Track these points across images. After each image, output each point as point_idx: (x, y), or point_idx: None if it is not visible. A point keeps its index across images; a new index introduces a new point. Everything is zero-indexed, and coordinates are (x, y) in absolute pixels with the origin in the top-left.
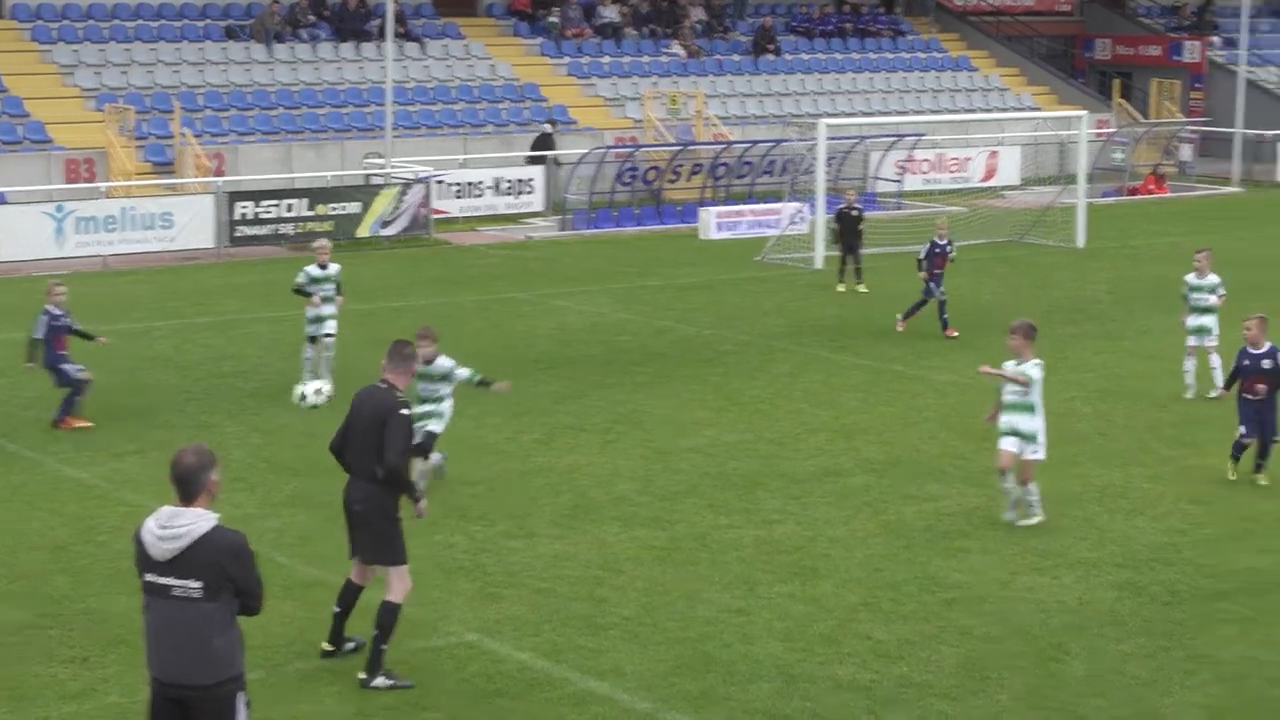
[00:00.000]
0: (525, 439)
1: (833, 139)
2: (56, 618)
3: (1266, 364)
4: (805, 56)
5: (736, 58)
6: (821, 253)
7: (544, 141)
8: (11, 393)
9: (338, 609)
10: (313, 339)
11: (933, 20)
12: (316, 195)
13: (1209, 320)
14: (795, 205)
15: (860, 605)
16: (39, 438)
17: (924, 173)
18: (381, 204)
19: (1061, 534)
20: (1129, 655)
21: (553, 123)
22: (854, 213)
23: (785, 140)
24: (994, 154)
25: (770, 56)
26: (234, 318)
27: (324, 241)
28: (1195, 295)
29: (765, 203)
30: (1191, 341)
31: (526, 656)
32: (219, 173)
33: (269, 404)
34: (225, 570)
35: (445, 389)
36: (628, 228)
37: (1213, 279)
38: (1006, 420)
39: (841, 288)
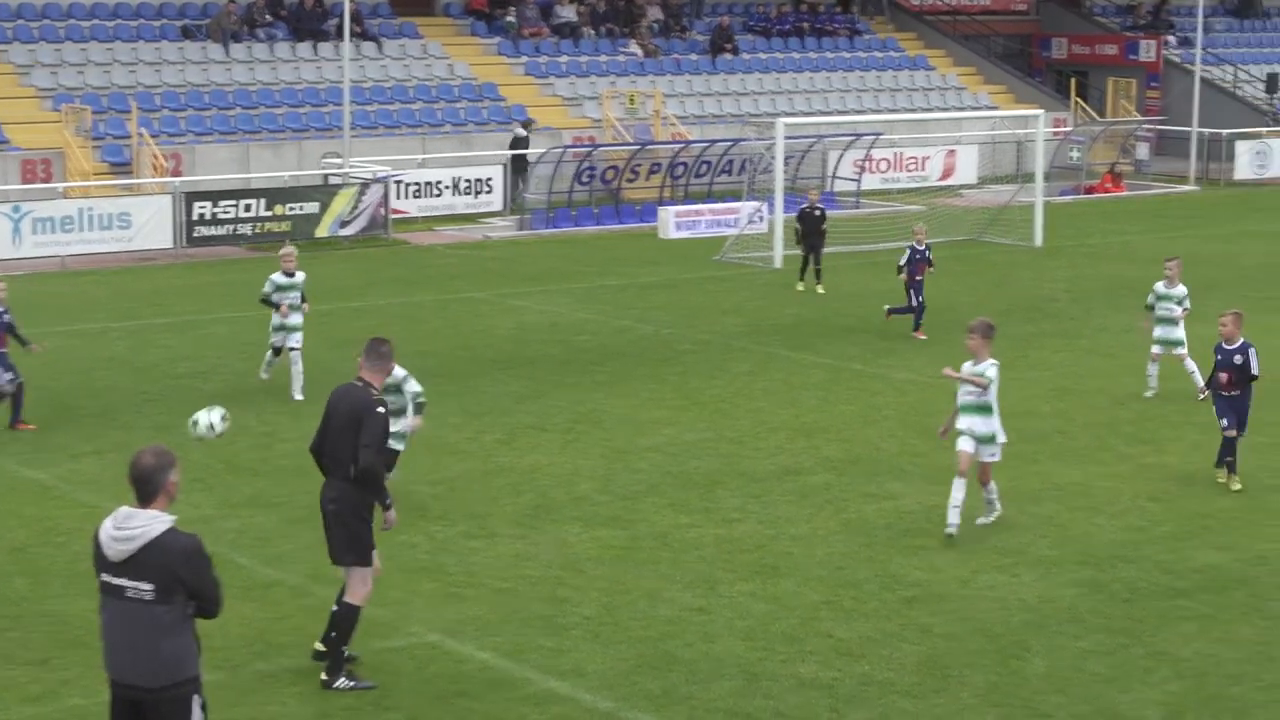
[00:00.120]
0: (486, 439)
1: (791, 138)
2: (16, 620)
3: (1238, 359)
4: (763, 56)
5: (694, 57)
6: (780, 252)
7: (520, 143)
8: None
9: (335, 609)
10: (277, 350)
11: (888, 19)
12: (274, 195)
13: (1178, 331)
14: (754, 204)
15: (822, 603)
16: None
17: (882, 172)
18: (340, 204)
19: (1021, 532)
20: (1089, 652)
21: (527, 124)
22: (816, 212)
23: (743, 139)
24: (951, 153)
25: (728, 56)
26: (192, 318)
27: (290, 249)
28: (1163, 305)
29: (724, 202)
30: (1156, 350)
31: (488, 656)
32: (176, 173)
33: (228, 405)
34: (177, 573)
35: (400, 401)
36: (586, 227)
37: (1181, 290)
38: (964, 422)
39: (801, 287)
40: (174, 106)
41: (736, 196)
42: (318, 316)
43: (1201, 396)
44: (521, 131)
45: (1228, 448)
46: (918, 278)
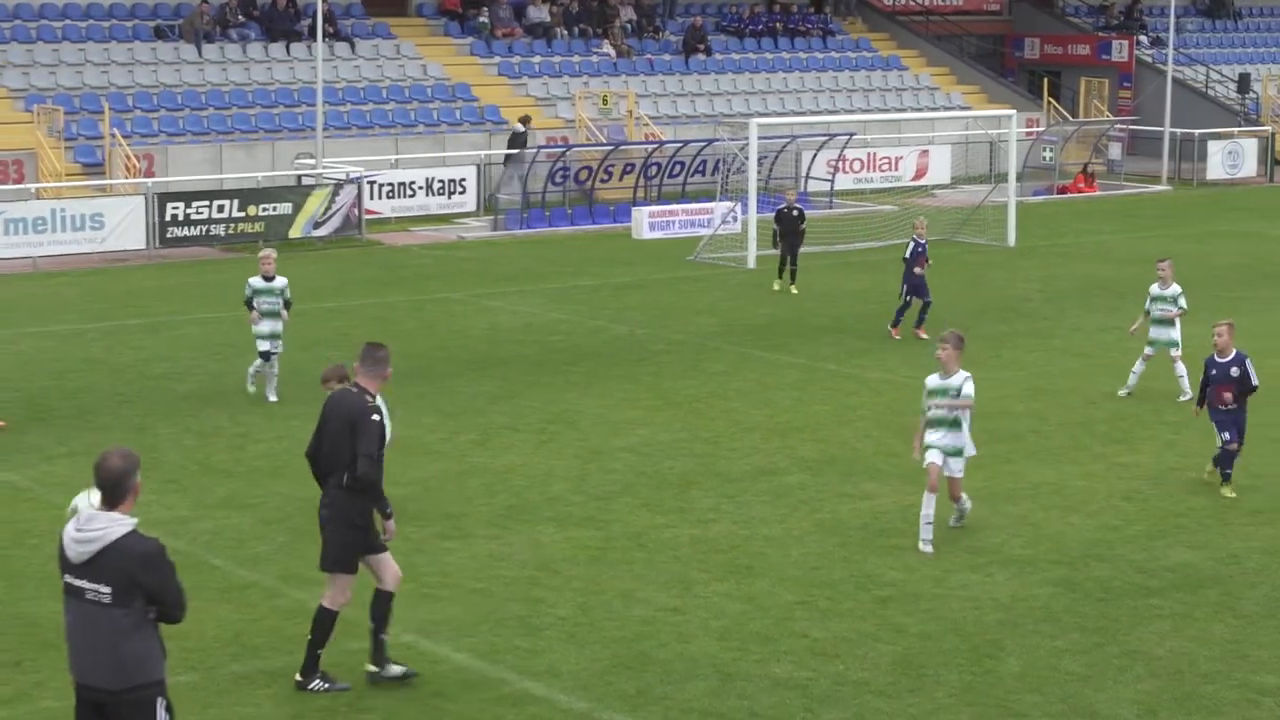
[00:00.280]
0: (460, 439)
1: (764, 138)
2: None
3: (1234, 371)
4: (736, 56)
5: (667, 57)
6: (754, 252)
7: (518, 140)
8: None
9: (372, 624)
10: (265, 355)
11: (858, 18)
12: (248, 196)
13: (1173, 332)
14: (727, 205)
15: (796, 604)
16: None
17: (855, 172)
18: (313, 205)
19: (995, 531)
20: (1063, 651)
21: (525, 120)
22: (794, 213)
23: (717, 140)
24: (925, 153)
25: (701, 56)
26: (166, 319)
27: (269, 252)
28: (1158, 306)
29: (697, 202)
30: (1149, 350)
31: (463, 657)
32: (149, 173)
33: (202, 406)
34: (135, 577)
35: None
36: (560, 227)
37: (1174, 289)
38: (934, 436)
39: (777, 286)
40: (147, 107)
41: (710, 197)
42: (290, 317)
43: (1182, 398)
44: (520, 128)
45: (1227, 459)
46: (917, 270)
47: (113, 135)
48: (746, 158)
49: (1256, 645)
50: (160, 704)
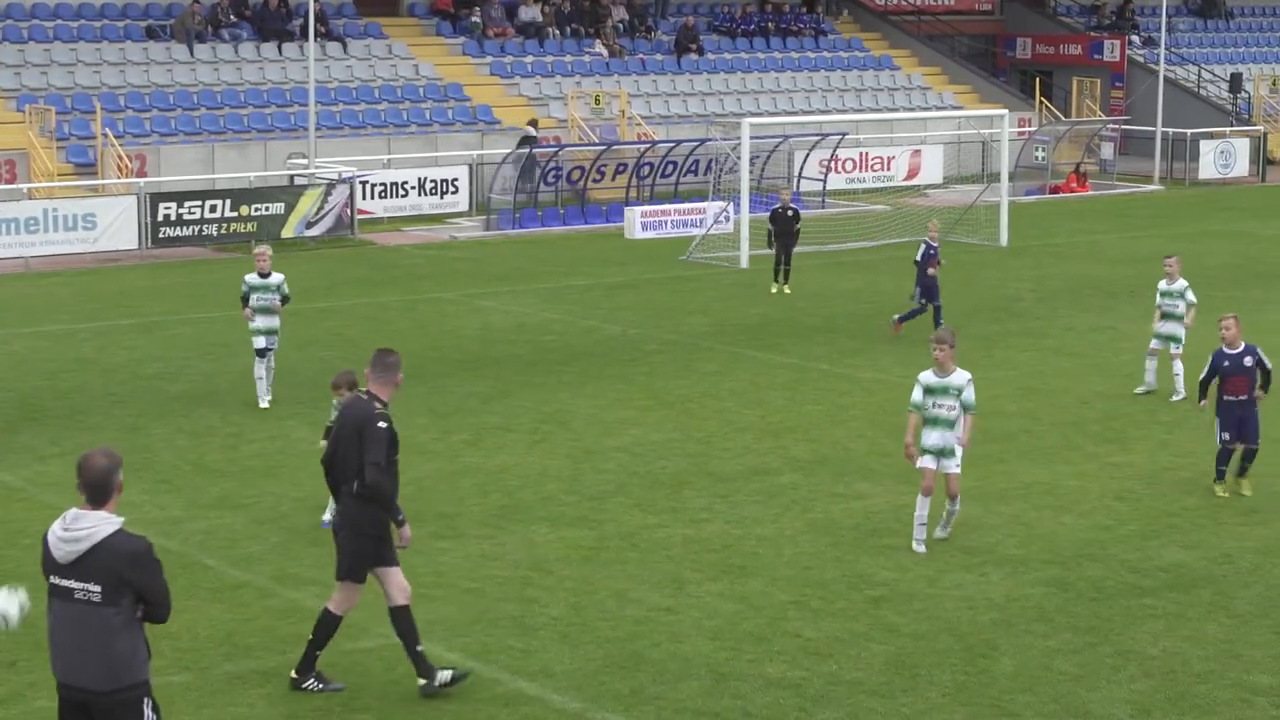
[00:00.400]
0: (453, 439)
1: (756, 138)
2: None
3: (1248, 361)
4: (728, 56)
5: (659, 57)
6: (746, 251)
7: (529, 143)
8: None
9: (401, 641)
10: (261, 351)
11: (848, 17)
12: (240, 196)
13: (1178, 329)
14: (720, 204)
15: (789, 603)
16: None
17: (847, 172)
18: (305, 205)
19: (988, 531)
20: (1056, 651)
21: (534, 123)
22: (789, 213)
23: (709, 139)
24: (917, 153)
25: (693, 56)
26: (158, 319)
27: (264, 248)
28: (1166, 301)
29: (690, 202)
30: (1154, 344)
31: (456, 657)
32: (141, 174)
33: (195, 406)
34: (124, 575)
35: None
36: (553, 227)
37: (1181, 284)
38: (934, 437)
39: (774, 289)
40: (138, 107)
41: (702, 196)
42: (284, 316)
43: (1175, 398)
44: (532, 131)
45: (1224, 456)
46: (930, 271)
47: (105, 135)
48: (739, 158)
49: (1250, 645)
50: (146, 704)
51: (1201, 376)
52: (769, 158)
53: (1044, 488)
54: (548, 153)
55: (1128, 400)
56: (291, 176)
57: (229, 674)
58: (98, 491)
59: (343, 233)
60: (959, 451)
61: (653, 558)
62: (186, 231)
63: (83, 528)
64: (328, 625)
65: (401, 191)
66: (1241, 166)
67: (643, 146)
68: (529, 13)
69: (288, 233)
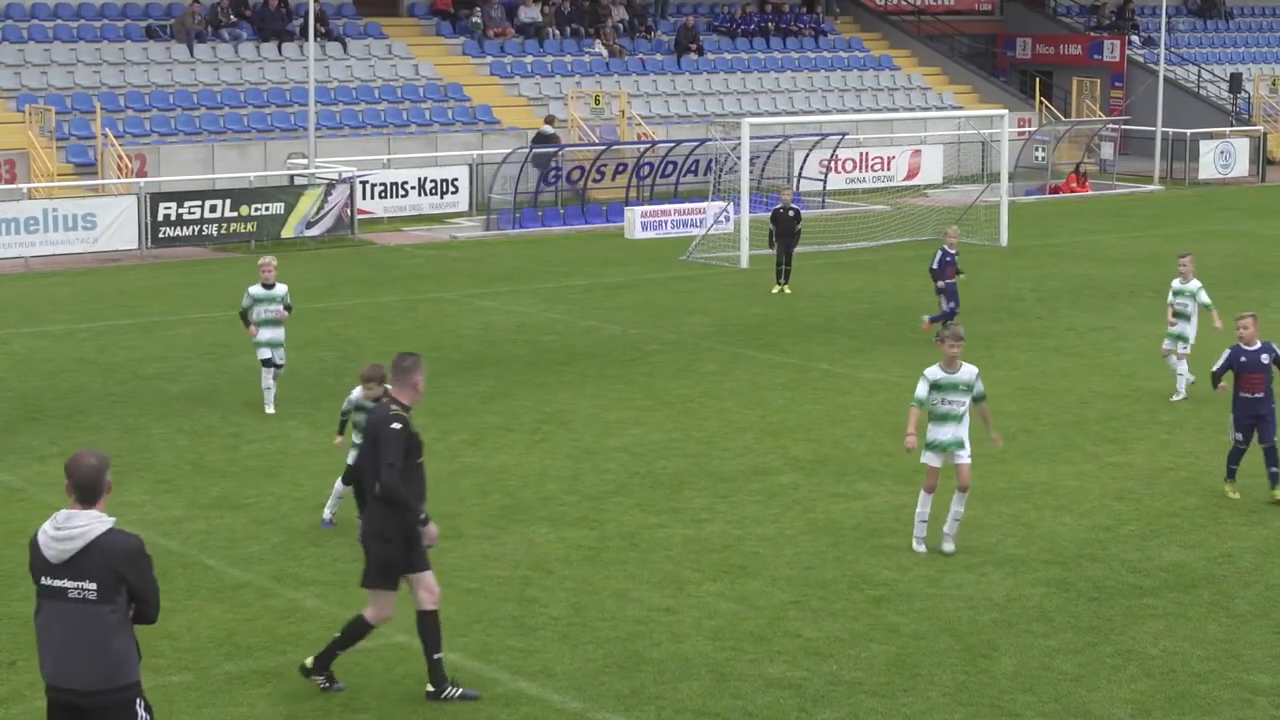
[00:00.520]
0: (453, 439)
1: (756, 138)
2: None
3: (1265, 358)
4: (728, 56)
5: (659, 57)
6: (747, 251)
7: (545, 140)
8: None
9: (423, 647)
10: (267, 362)
11: (844, 16)
12: (240, 196)
13: (1189, 329)
14: (720, 204)
15: (790, 603)
16: None
17: (847, 171)
18: (305, 205)
19: (989, 531)
20: (1056, 651)
21: (551, 120)
22: (790, 213)
23: (709, 139)
24: (917, 153)
25: (693, 56)
26: (158, 319)
27: (269, 259)
28: (1178, 300)
29: (690, 202)
30: (1166, 345)
31: (456, 657)
32: (141, 173)
33: (195, 406)
34: (120, 572)
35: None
36: (553, 227)
37: (1195, 284)
38: (945, 431)
39: (776, 290)
40: (138, 107)
41: (702, 196)
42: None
43: (1176, 398)
44: (549, 129)
45: (1235, 456)
46: (949, 281)
47: (105, 135)
48: (739, 158)
49: (1250, 645)
50: (140, 704)
51: (1214, 367)
52: (769, 158)
53: (1044, 488)
54: (548, 153)
55: (1128, 400)
56: (291, 176)
57: (229, 674)
58: (88, 491)
59: (343, 233)
60: (968, 443)
61: (653, 558)
62: (186, 231)
63: (76, 526)
64: (357, 631)
65: (401, 191)
66: (1241, 166)
67: (643, 146)
68: (529, 13)
69: (288, 233)
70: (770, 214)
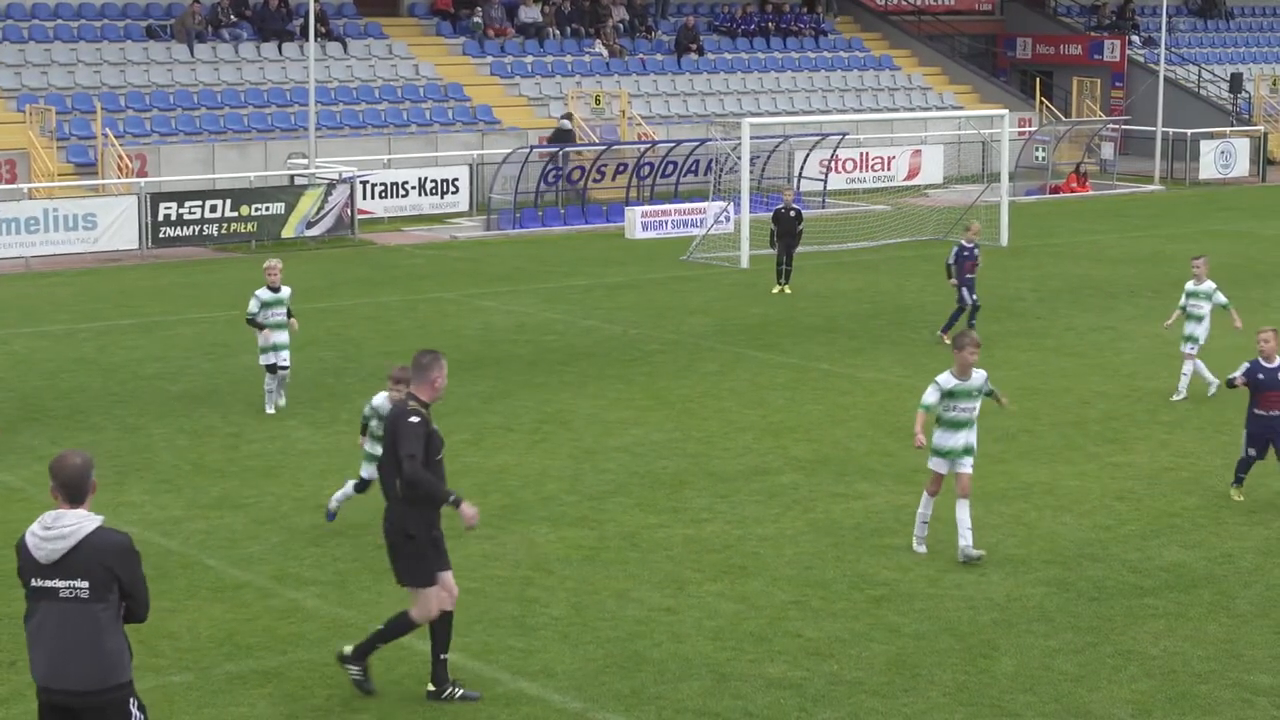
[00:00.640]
0: (453, 439)
1: (757, 138)
2: None
3: None
4: (728, 56)
5: (659, 57)
6: (747, 251)
7: (563, 136)
8: None
9: (431, 644)
10: (271, 367)
11: (844, 15)
12: (240, 196)
13: (1199, 329)
14: (720, 204)
15: (790, 603)
16: None
17: (848, 171)
18: (306, 205)
19: (989, 531)
20: (1057, 651)
21: (569, 116)
22: (791, 213)
23: (709, 139)
24: (917, 153)
25: (693, 56)
26: (158, 319)
27: (275, 261)
28: (1192, 302)
29: (690, 202)
30: (1186, 348)
31: (456, 657)
32: (141, 173)
33: (195, 406)
34: (112, 569)
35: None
36: (553, 227)
37: (1209, 285)
38: (956, 438)
39: (777, 290)
40: (139, 107)
41: (703, 196)
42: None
43: (1176, 397)
44: (567, 125)
45: (1244, 465)
46: (968, 276)
47: (105, 135)
48: (739, 158)
49: (1250, 645)
50: (133, 703)
51: (1230, 376)
52: (769, 158)
53: (1044, 488)
54: (547, 152)
55: (1128, 400)
56: (292, 176)
57: (230, 674)
58: (75, 490)
59: (343, 233)
60: (974, 449)
61: (653, 558)
62: (187, 231)
63: (66, 525)
64: (399, 627)
65: (402, 191)
66: (1242, 166)
67: (643, 146)
68: (529, 13)
69: (288, 233)
70: (772, 214)
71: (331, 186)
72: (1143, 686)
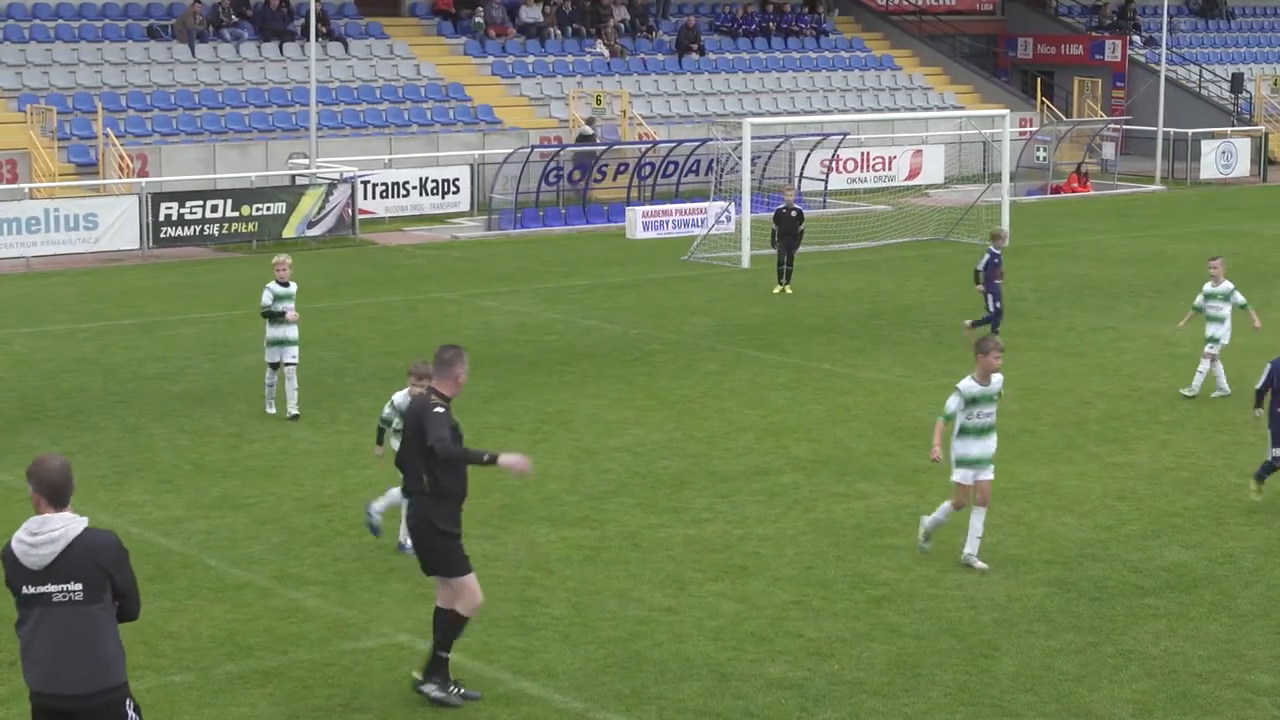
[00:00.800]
0: None
1: (757, 138)
2: None
3: None
4: (729, 56)
5: (660, 57)
6: (748, 251)
7: (586, 139)
8: None
9: (433, 635)
10: (275, 365)
11: (845, 15)
12: (241, 196)
13: (1219, 329)
14: (721, 204)
15: (791, 603)
16: None
17: (849, 171)
18: (307, 205)
19: (990, 531)
20: (1058, 651)
21: (592, 120)
22: (793, 213)
23: (710, 139)
24: (918, 153)
25: (694, 56)
26: (159, 319)
27: (284, 257)
28: (1211, 303)
29: (691, 202)
30: (1209, 349)
31: (458, 657)
32: (142, 173)
33: (196, 405)
34: (106, 569)
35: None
36: (554, 227)
37: (1226, 286)
38: (977, 447)
39: (778, 290)
40: (140, 107)
41: (704, 196)
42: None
43: (1187, 392)
44: (588, 129)
45: (1269, 467)
46: (996, 282)
47: (106, 135)
48: (740, 158)
49: (1251, 645)
50: (129, 705)
51: (1257, 385)
52: (770, 158)
53: (1045, 488)
54: (548, 152)
55: (1129, 400)
56: (293, 176)
57: (230, 674)
58: (59, 493)
59: (344, 233)
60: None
61: (654, 558)
62: (188, 231)
63: (54, 529)
64: (450, 625)
65: (403, 191)
66: (1243, 167)
67: (644, 146)
68: (530, 13)
69: (289, 233)
70: (773, 214)
71: (332, 186)
72: (1144, 686)
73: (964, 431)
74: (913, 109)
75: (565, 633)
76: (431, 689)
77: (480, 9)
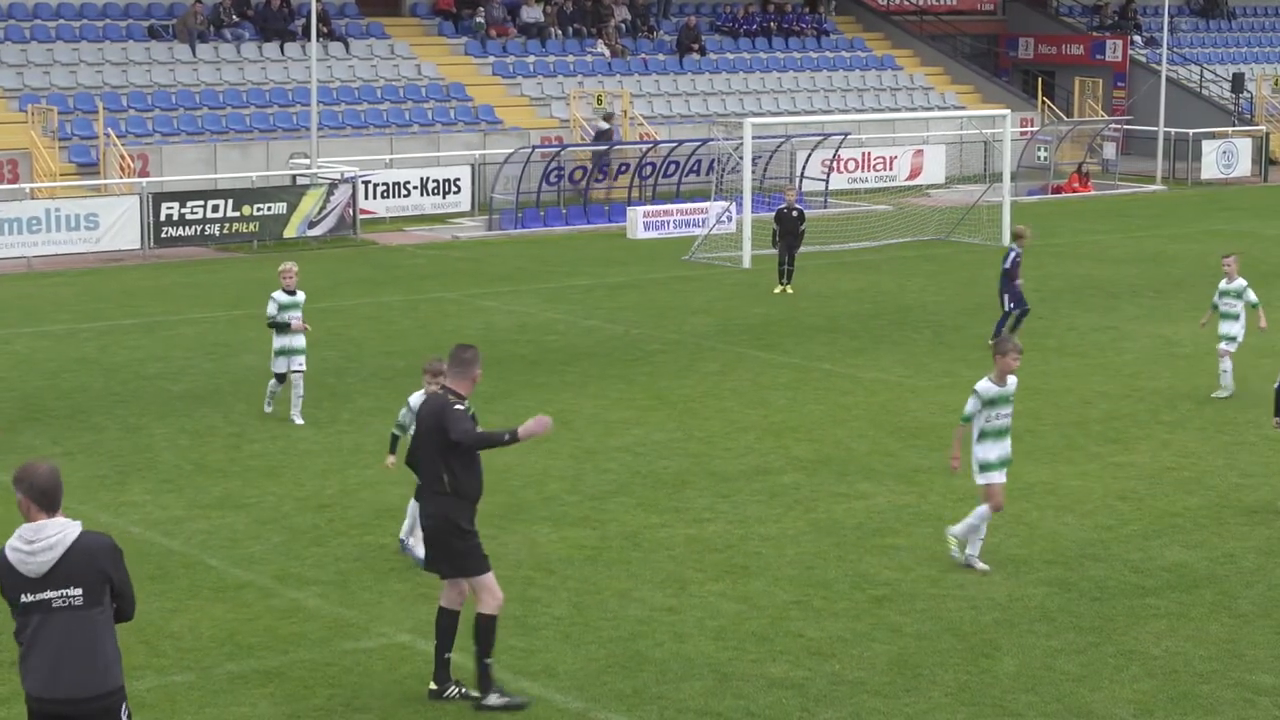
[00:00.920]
0: None
1: (758, 138)
2: None
3: None
4: (730, 56)
5: (661, 57)
6: (749, 251)
7: (604, 137)
8: None
9: (436, 642)
10: (280, 377)
11: (846, 15)
12: (242, 196)
13: (1233, 327)
14: (722, 204)
15: (792, 603)
16: None
17: (850, 171)
18: (308, 205)
19: (991, 531)
20: (1059, 651)
21: (609, 117)
22: (794, 213)
23: (711, 139)
24: (919, 152)
25: (695, 56)
26: (160, 319)
27: (290, 264)
28: (1225, 301)
29: (692, 202)
30: (1223, 347)
31: (458, 657)
32: (143, 173)
33: (197, 405)
34: (105, 571)
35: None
36: (555, 227)
37: (1240, 283)
38: (996, 450)
39: (778, 290)
40: (141, 107)
41: (705, 196)
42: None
43: (1220, 393)
44: (604, 125)
45: None
46: (1017, 281)
47: (107, 135)
48: (741, 157)
49: (1252, 645)
50: (124, 710)
51: (1277, 385)
52: (771, 158)
53: (1046, 488)
54: (549, 152)
55: (1130, 400)
56: (294, 176)
57: (231, 674)
58: (51, 498)
59: (345, 233)
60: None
61: (655, 557)
62: (189, 231)
63: (50, 535)
64: (485, 629)
65: (404, 191)
66: (1244, 167)
67: (645, 146)
68: (531, 13)
69: (290, 233)
70: (774, 214)
71: (333, 186)
72: (1145, 686)
73: (984, 435)
74: (913, 109)
75: (566, 632)
76: (492, 698)
77: (481, 9)
